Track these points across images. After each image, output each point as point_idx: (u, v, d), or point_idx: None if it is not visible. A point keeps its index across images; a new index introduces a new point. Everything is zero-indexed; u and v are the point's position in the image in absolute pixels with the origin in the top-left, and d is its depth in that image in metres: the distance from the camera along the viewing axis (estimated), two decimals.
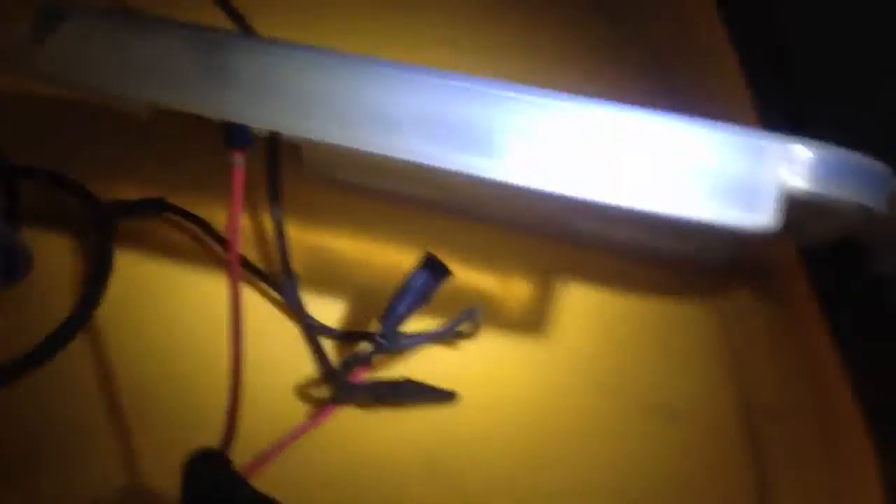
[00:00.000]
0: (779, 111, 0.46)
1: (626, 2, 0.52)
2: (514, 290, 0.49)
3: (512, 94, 0.36)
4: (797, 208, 0.35)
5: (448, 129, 0.35)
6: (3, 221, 0.45)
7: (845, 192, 0.35)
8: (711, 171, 0.35)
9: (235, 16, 0.47)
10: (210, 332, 0.45)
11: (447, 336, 0.46)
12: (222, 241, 0.48)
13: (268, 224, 0.48)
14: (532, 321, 0.48)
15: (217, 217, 0.48)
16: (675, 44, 0.52)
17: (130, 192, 0.49)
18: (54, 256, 0.48)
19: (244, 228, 0.49)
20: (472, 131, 0.35)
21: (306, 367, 0.47)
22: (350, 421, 0.46)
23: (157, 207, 0.48)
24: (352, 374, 0.45)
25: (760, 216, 0.35)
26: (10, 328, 0.46)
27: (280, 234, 0.47)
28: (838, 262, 0.46)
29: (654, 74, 0.51)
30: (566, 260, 0.49)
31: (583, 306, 0.49)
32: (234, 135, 0.37)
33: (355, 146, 0.35)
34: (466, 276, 0.48)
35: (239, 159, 0.37)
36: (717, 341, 0.48)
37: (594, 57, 0.51)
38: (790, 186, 0.35)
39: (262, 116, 0.36)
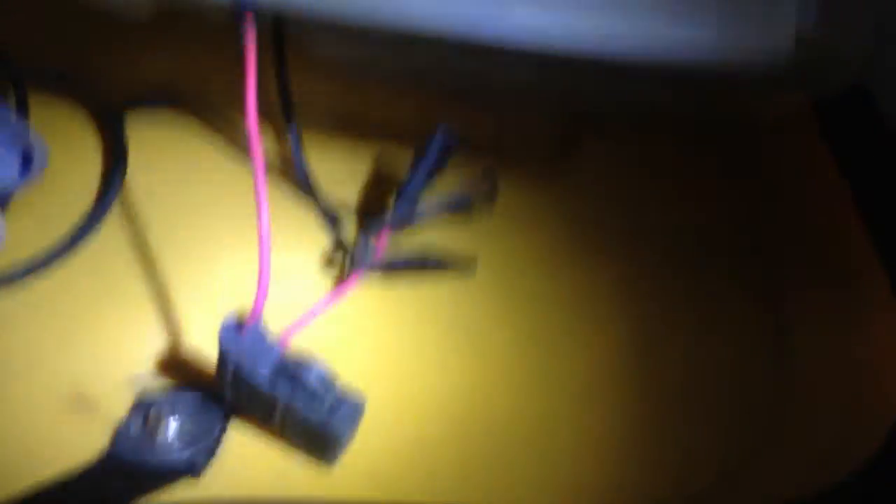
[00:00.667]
0: None
1: None
2: (528, 155, 0.49)
3: None
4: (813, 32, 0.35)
5: None
6: (17, 119, 0.46)
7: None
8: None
9: None
10: (230, 214, 0.46)
11: (465, 200, 0.46)
12: (233, 129, 0.48)
13: (277, 112, 0.49)
14: (547, 183, 0.49)
15: (226, 106, 0.49)
16: None
17: (137, 88, 0.49)
18: (66, 156, 0.48)
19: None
20: None
21: (327, 245, 0.48)
22: (373, 290, 0.47)
23: (167, 100, 0.48)
24: (373, 244, 0.46)
25: (779, 34, 0.34)
26: (31, 226, 0.46)
27: (292, 119, 0.47)
28: (849, 111, 0.46)
29: None
30: (579, 123, 0.50)
31: (597, 171, 0.49)
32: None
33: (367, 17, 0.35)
34: (479, 151, 0.48)
35: (250, 21, 0.37)
36: (736, 189, 0.50)
37: None
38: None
39: None
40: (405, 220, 0.46)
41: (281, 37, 0.46)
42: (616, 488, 0.40)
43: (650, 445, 0.42)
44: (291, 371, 0.39)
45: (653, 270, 0.48)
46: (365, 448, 0.41)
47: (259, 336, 0.40)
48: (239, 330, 0.39)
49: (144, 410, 0.42)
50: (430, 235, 0.47)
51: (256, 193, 0.40)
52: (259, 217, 0.41)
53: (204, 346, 0.44)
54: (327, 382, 0.40)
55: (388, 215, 0.46)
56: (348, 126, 0.50)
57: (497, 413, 0.44)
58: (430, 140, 0.45)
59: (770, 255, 0.49)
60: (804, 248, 0.48)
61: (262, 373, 0.39)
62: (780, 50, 0.35)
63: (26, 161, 0.45)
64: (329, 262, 0.48)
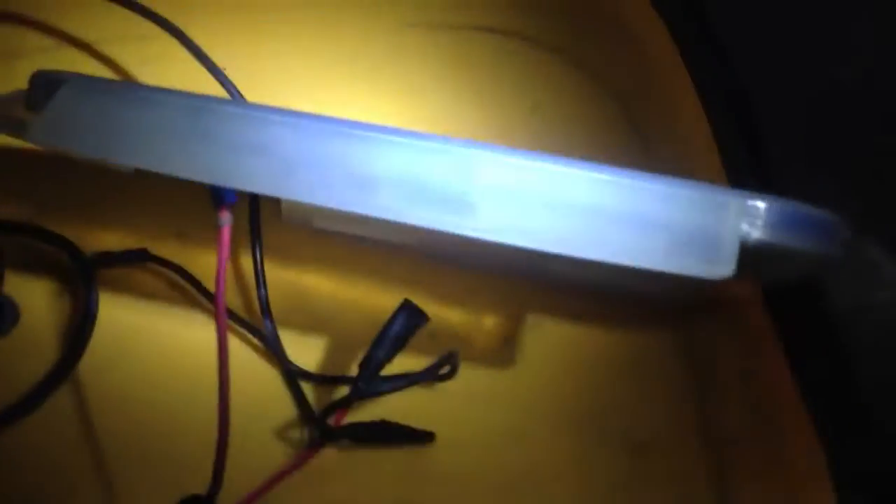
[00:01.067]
0: (745, 167, 0.49)
1: (589, 50, 0.55)
2: (488, 330, 0.51)
3: (485, 154, 0.38)
4: (755, 258, 0.37)
5: (423, 188, 0.37)
6: None
7: (800, 243, 0.38)
8: (673, 225, 0.37)
9: (225, 82, 0.49)
10: (193, 378, 0.46)
11: (425, 379, 0.47)
12: (205, 290, 0.49)
13: (247, 271, 0.50)
14: (506, 360, 0.50)
15: (199, 265, 0.50)
16: (643, 98, 0.54)
17: (113, 243, 0.50)
18: (38, 308, 0.48)
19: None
20: (447, 190, 0.37)
21: (288, 411, 0.48)
22: (330, 463, 0.47)
23: (140, 257, 0.49)
24: (332, 417, 0.47)
25: (720, 267, 0.37)
26: None
27: (261, 283, 0.48)
28: (797, 296, 0.48)
29: (621, 129, 0.53)
30: (538, 300, 0.51)
31: (555, 344, 0.51)
32: (221, 195, 0.39)
33: (337, 207, 0.37)
34: (443, 317, 0.50)
35: (225, 218, 0.38)
36: (683, 373, 0.51)
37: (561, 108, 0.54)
38: (749, 239, 0.37)
39: (248, 180, 0.37)
40: (368, 391, 0.47)
41: (256, 204, 0.48)
42: None
43: None
44: None
45: (601, 450, 0.49)
46: None
47: None
48: None
49: None
50: (390, 404, 0.48)
51: (219, 372, 0.41)
52: (220, 388, 0.42)
53: None
54: None
55: (352, 386, 0.47)
56: (319, 290, 0.51)
57: None
58: (394, 316, 0.46)
59: (716, 443, 0.50)
60: (748, 434, 0.50)
61: None
62: (724, 267, 0.37)
63: None
64: (290, 429, 0.48)
